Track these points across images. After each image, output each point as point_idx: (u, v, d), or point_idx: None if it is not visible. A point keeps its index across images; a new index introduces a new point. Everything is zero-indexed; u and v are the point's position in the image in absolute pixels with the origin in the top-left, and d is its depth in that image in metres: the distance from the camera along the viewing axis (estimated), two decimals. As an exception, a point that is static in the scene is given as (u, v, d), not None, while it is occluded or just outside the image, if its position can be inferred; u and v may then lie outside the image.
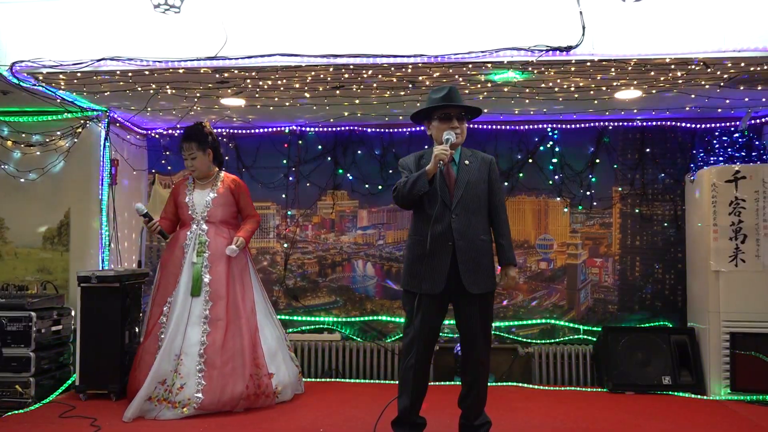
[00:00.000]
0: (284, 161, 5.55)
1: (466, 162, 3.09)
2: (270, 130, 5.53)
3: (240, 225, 4.12)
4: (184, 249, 3.97)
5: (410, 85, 4.20)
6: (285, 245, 5.53)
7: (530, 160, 5.38)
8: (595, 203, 5.34)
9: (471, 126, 5.38)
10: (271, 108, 4.80)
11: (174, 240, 4.01)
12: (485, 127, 5.38)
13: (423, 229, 2.95)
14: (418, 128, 5.39)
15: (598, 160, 5.34)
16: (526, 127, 5.37)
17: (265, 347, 3.97)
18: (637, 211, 5.31)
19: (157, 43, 3.81)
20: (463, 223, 2.96)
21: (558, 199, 5.36)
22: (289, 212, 5.56)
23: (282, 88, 4.27)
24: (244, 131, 5.56)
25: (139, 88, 4.25)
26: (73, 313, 4.59)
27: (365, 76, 3.96)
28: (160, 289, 4.02)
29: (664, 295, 5.25)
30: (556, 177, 5.36)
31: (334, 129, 5.49)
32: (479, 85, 4.21)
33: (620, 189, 5.33)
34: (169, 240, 4.06)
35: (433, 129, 3.09)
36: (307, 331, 5.39)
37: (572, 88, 4.28)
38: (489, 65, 3.76)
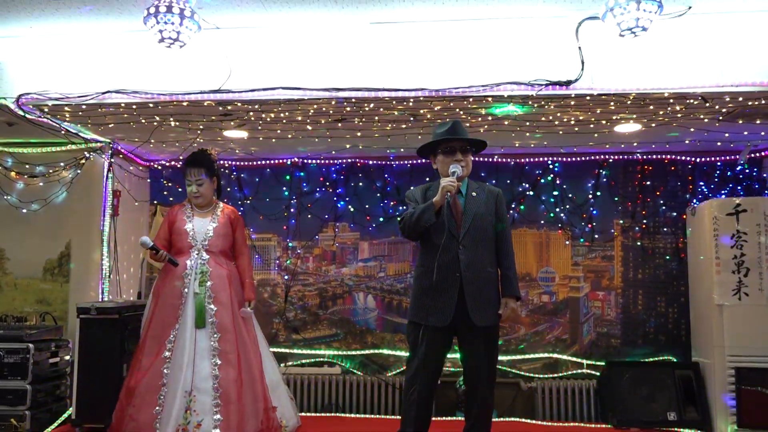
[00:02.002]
0: (286, 193, 5.56)
1: (474, 194, 3.10)
2: (272, 161, 5.56)
3: (233, 259, 3.99)
4: (184, 279, 3.80)
5: (411, 118, 4.22)
6: (286, 277, 5.50)
7: (531, 193, 5.39)
8: (596, 236, 5.33)
9: (474, 161, 5.41)
10: (273, 140, 4.83)
11: (170, 269, 3.82)
12: (486, 159, 5.40)
13: (430, 260, 2.94)
14: (419, 160, 5.41)
15: (599, 193, 5.34)
16: (527, 159, 5.39)
17: (268, 380, 3.90)
18: (638, 243, 5.29)
19: (162, 76, 3.86)
20: (470, 255, 2.95)
21: (559, 231, 5.35)
22: (290, 244, 5.55)
23: (284, 121, 4.30)
24: (246, 163, 5.59)
25: (143, 120, 4.28)
26: (71, 345, 4.54)
27: (367, 109, 3.99)
28: (156, 320, 3.79)
29: (667, 329, 5.19)
30: (558, 209, 5.35)
31: (335, 161, 5.52)
32: (480, 119, 4.24)
33: (621, 222, 5.32)
34: (163, 268, 3.98)
35: (438, 163, 3.11)
36: (306, 365, 5.32)
37: (572, 122, 4.31)
38: (489, 99, 3.79)
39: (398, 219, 3.09)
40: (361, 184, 5.52)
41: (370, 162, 5.51)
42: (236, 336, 3.74)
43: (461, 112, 4.08)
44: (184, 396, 3.52)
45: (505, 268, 3.06)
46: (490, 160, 5.40)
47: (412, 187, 3.32)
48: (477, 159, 5.42)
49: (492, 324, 3.01)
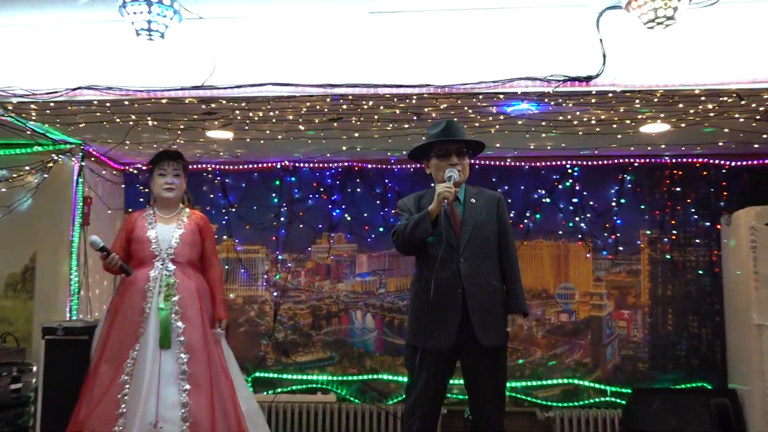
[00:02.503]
0: (275, 200, 5.57)
1: (472, 200, 3.10)
2: (260, 165, 5.57)
3: (202, 271, 3.93)
4: (145, 293, 3.64)
5: (415, 118, 4.24)
6: (275, 293, 5.50)
7: (548, 200, 5.40)
8: (621, 248, 5.33)
9: (481, 162, 5.43)
10: (262, 141, 4.84)
11: (130, 282, 3.67)
12: (498, 163, 5.42)
13: (428, 275, 2.93)
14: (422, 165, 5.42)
15: (623, 201, 5.35)
16: (543, 163, 5.40)
17: (245, 408, 3.80)
18: (668, 257, 5.29)
19: (139, 70, 3.86)
20: (472, 268, 2.94)
21: (579, 243, 5.35)
22: (279, 256, 5.55)
23: (274, 120, 4.31)
24: (231, 167, 5.60)
25: (118, 120, 4.29)
26: (35, 369, 4.54)
27: (365, 107, 4.01)
28: (112, 341, 3.60)
29: (700, 352, 5.18)
30: (577, 219, 5.36)
31: (330, 165, 5.53)
32: (491, 118, 4.25)
33: (649, 232, 5.33)
34: (121, 282, 3.79)
35: (432, 167, 3.11)
36: (298, 392, 5.30)
37: (593, 121, 4.32)
38: (501, 96, 3.80)
39: (392, 233, 3.08)
40: (358, 190, 5.53)
41: (369, 166, 5.52)
42: (208, 357, 3.58)
43: (469, 111, 4.09)
44: (148, 428, 3.34)
45: (510, 280, 3.05)
46: (502, 163, 5.42)
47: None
48: (487, 162, 5.44)
49: (500, 344, 3.00)
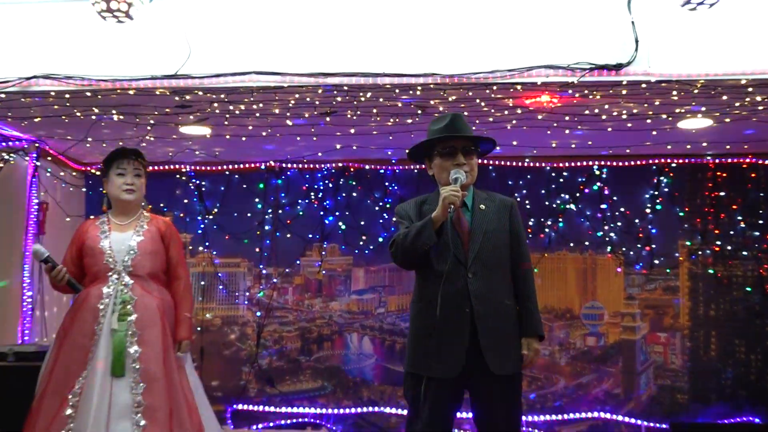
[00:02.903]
0: (259, 205, 5.58)
1: (482, 206, 3.09)
2: (241, 166, 5.58)
3: (167, 285, 3.87)
4: (98, 312, 3.57)
5: (419, 112, 4.25)
6: (258, 314, 5.51)
7: (572, 206, 5.41)
8: (656, 261, 5.34)
9: (495, 163, 5.44)
10: (244, 138, 4.85)
11: (82, 300, 3.62)
12: (513, 164, 5.44)
13: (431, 293, 2.92)
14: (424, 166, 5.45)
15: (659, 207, 5.36)
16: (567, 164, 5.42)
17: None
18: (711, 271, 5.30)
19: (103, 57, 3.86)
20: (482, 284, 2.93)
21: (609, 255, 5.36)
22: (264, 271, 5.56)
23: (258, 114, 4.33)
24: (208, 168, 5.61)
25: (78, 114, 4.30)
26: (-19, 401, 4.52)
27: (363, 99, 4.02)
28: (59, 369, 3.53)
29: (748, 381, 5.18)
30: (606, 227, 5.37)
31: (322, 165, 5.53)
32: (506, 112, 4.27)
33: (688, 243, 5.33)
34: (74, 300, 3.71)
35: (435, 168, 3.10)
36: (285, 427, 5.30)
37: (624, 116, 4.33)
38: (519, 87, 3.81)
39: (389, 243, 3.08)
40: (355, 194, 5.54)
41: (367, 167, 5.53)
42: (168, 387, 3.50)
43: (482, 104, 4.11)
44: None
45: (524, 299, 3.04)
46: (520, 164, 5.43)
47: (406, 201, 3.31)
48: (501, 162, 5.45)
49: (514, 372, 3.00)
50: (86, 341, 3.55)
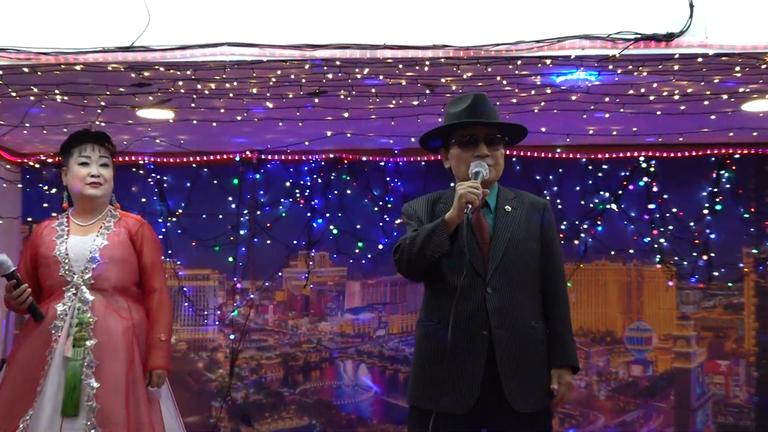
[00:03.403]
0: (233, 205, 5.58)
1: (507, 208, 3.07)
2: (212, 158, 5.58)
3: (141, 300, 3.79)
4: (50, 335, 3.48)
5: (428, 92, 4.25)
6: (231, 336, 5.50)
7: (614, 206, 5.41)
8: (716, 273, 5.33)
9: (520, 154, 5.44)
10: (215, 124, 4.85)
11: (34, 324, 3.53)
12: (542, 155, 5.43)
13: (442, 311, 2.92)
14: (439, 156, 5.44)
15: (719, 207, 5.36)
16: (607, 155, 5.41)
17: None
18: (782, 285, 5.32)
19: (44, 26, 3.84)
20: (504, 302, 2.91)
21: (658, 266, 5.36)
22: (238, 284, 5.55)
23: (231, 95, 4.32)
24: (171, 159, 5.60)
25: (13, 94, 4.28)
26: None
27: (359, 77, 4.02)
28: (2, 404, 3.48)
29: (828, 420, 5.19)
30: (655, 232, 5.37)
31: (310, 157, 5.53)
32: (533, 92, 4.26)
33: (755, 251, 5.32)
34: (24, 323, 3.67)
35: (452, 159, 3.08)
36: (263, 474, 5.32)
37: (676, 96, 4.32)
38: (548, 61, 3.80)
39: (393, 249, 3.08)
40: (349, 192, 5.54)
41: (364, 158, 5.53)
42: (129, 430, 3.41)
43: (504, 82, 4.10)
44: None
45: (556, 322, 3.02)
46: (550, 155, 5.42)
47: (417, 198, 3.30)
48: (527, 154, 5.43)
49: (540, 409, 3.00)
50: (35, 372, 3.45)
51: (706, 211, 5.37)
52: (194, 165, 5.64)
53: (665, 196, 5.39)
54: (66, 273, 3.49)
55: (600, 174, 5.43)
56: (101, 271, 3.50)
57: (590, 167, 5.44)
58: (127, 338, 3.49)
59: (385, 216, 5.50)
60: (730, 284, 5.34)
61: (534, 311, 3.07)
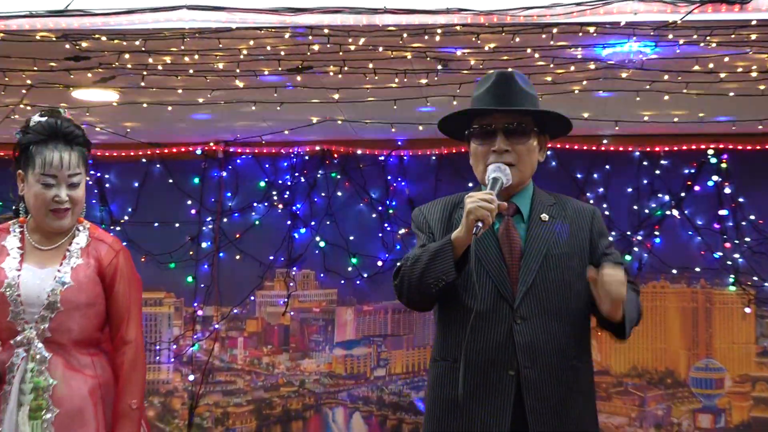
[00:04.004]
0: (193, 211, 5.59)
1: (544, 216, 3.05)
2: (166, 150, 5.58)
3: (106, 350, 3.77)
4: None
5: (440, 67, 4.25)
6: (191, 377, 5.50)
7: (675, 212, 5.41)
8: (806, 298, 5.34)
9: (555, 146, 5.42)
10: (170, 108, 4.84)
11: None
12: (584, 147, 5.41)
13: (458, 347, 2.91)
14: (454, 149, 5.45)
15: (810, 213, 5.38)
16: (667, 147, 5.39)
17: None
18: None
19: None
20: (536, 334, 2.90)
21: (732, 288, 5.35)
22: (200, 311, 5.54)
23: (191, 71, 4.30)
24: (115, 153, 5.60)
25: None
26: None
27: (352, 48, 4.00)
28: None
29: None
30: (728, 245, 5.37)
31: (291, 150, 5.53)
32: (573, 68, 4.28)
33: None
34: None
35: (471, 155, 3.09)
36: None
37: (753, 74, 4.32)
38: (591, 29, 3.79)
39: (394, 271, 3.07)
40: (340, 194, 5.52)
41: (359, 151, 5.52)
42: None
43: (536, 55, 4.09)
44: None
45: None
46: (594, 148, 5.41)
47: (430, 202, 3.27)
48: (564, 147, 5.41)
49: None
50: None
51: (792, 219, 5.38)
52: (144, 160, 5.64)
53: (740, 200, 5.37)
54: (16, 320, 3.35)
55: (657, 172, 5.43)
56: (61, 322, 3.37)
57: (645, 163, 5.44)
58: (93, 403, 3.45)
59: (386, 225, 5.49)
60: (823, 312, 5.34)
61: (577, 346, 3.05)
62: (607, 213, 5.37)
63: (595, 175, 5.47)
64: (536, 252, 3.09)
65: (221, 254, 5.57)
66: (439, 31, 3.83)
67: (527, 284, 3.04)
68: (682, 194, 5.42)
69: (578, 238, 3.17)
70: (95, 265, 3.50)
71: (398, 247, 5.46)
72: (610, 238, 5.28)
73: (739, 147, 5.39)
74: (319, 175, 5.56)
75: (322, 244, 5.52)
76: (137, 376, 3.51)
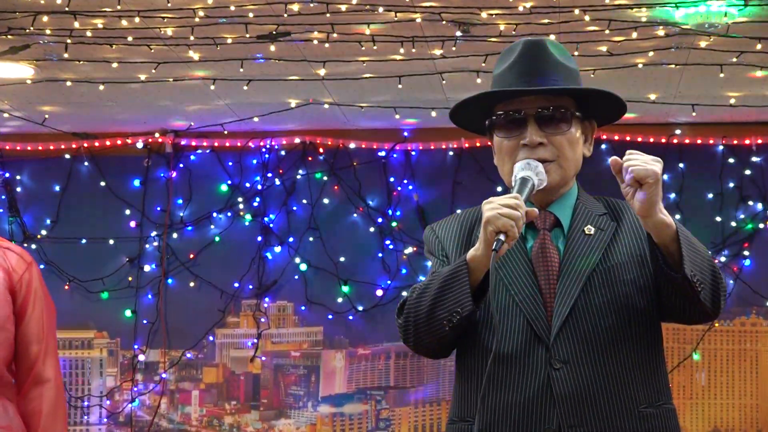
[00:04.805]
0: (132, 223, 5.64)
1: (589, 229, 3.06)
2: (97, 143, 5.65)
3: (17, 390, 3.84)
4: None
5: (459, 33, 4.27)
6: (130, 443, 5.56)
7: (770, 225, 5.44)
8: None
9: (607, 137, 5.46)
10: (102, 87, 4.88)
11: None
12: (650, 139, 5.47)
13: (477, 401, 2.92)
14: (476, 142, 5.48)
15: None
16: (759, 140, 5.44)
17: None
18: None
19: None
20: (583, 382, 2.91)
21: None
22: (141, 356, 5.59)
23: (131, 39, 4.36)
24: (29, 147, 5.65)
25: None
26: None
27: (343, 8, 4.05)
28: None
29: None
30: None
31: (262, 143, 5.59)
32: (635, 35, 4.29)
33: None
34: None
35: (494, 149, 3.10)
36: None
37: None
38: (659, -17, 3.87)
39: (398, 306, 3.08)
40: (327, 201, 5.59)
41: (351, 145, 5.60)
42: None
43: (585, 18, 4.13)
44: None
45: None
46: (662, 140, 5.47)
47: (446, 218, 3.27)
48: (624, 138, 5.46)
49: None
50: None
51: None
52: (68, 156, 5.69)
53: None
54: None
55: (748, 172, 5.48)
56: None
57: (731, 160, 5.49)
58: None
59: (388, 242, 5.53)
60: None
61: (646, 385, 3.05)
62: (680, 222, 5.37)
63: (665, 176, 5.47)
64: (577, 271, 3.04)
65: (170, 280, 5.59)
66: (456, -12, 3.87)
67: (563, 314, 3.01)
68: (780, 199, 5.44)
69: (636, 247, 3.11)
70: (4, 277, 3.42)
71: (404, 271, 5.49)
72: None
73: None
74: (299, 177, 5.60)
75: (303, 267, 5.56)
76: (59, 425, 3.51)
